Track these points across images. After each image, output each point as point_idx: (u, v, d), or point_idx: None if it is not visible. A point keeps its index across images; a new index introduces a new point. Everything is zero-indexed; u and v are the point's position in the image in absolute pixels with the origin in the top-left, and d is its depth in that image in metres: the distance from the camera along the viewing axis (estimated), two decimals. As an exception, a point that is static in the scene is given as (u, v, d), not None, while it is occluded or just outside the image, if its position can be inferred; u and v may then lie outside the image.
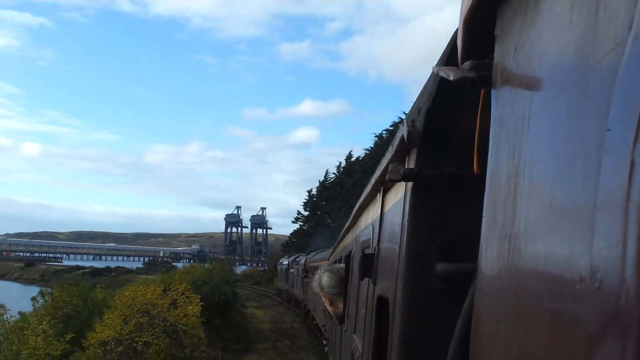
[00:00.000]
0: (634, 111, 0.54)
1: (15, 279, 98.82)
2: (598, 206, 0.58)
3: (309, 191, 62.92)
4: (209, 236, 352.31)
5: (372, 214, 3.43)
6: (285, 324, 28.40)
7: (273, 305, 42.17)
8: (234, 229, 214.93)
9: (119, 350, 12.92)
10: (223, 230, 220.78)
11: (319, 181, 62.36)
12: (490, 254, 0.94)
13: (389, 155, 2.29)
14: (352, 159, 56.60)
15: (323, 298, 4.47)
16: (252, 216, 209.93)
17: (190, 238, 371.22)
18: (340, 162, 59.51)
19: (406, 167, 2.00)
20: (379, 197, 2.91)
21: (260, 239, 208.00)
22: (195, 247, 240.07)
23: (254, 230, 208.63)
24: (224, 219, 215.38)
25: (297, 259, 32.57)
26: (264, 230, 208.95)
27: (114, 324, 13.48)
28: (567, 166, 0.68)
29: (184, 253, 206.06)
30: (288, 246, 64.60)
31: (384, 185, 2.68)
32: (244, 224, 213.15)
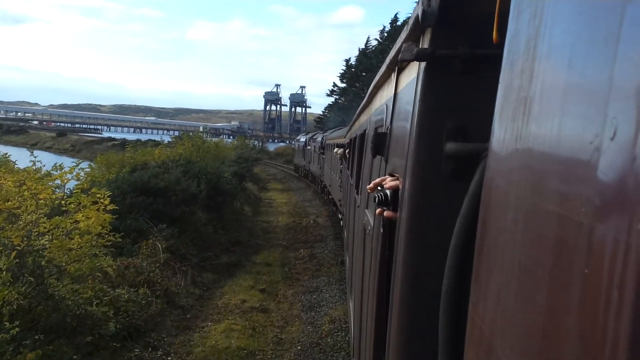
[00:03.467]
0: None
1: (47, 149, 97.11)
2: (618, 58, 0.58)
3: (347, 60, 53.48)
4: (249, 113, 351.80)
5: (386, 93, 3.47)
6: (308, 218, 21.70)
7: (300, 189, 35.62)
8: (273, 107, 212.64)
9: None
10: (262, 108, 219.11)
11: (359, 49, 52.78)
12: (505, 118, 0.94)
13: (404, 34, 2.28)
14: (398, 23, 46.60)
15: None
16: (291, 94, 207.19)
17: (230, 115, 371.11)
18: (384, 27, 49.58)
19: (420, 46, 1.98)
20: (394, 76, 2.92)
21: (299, 118, 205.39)
22: (234, 123, 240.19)
23: (293, 109, 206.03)
24: (263, 97, 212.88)
25: (314, 137, 32.82)
26: (303, 108, 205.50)
27: None
28: (590, 23, 0.67)
29: (223, 129, 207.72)
30: (321, 122, 56.87)
31: (399, 65, 2.66)
32: (283, 102, 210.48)
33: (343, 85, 53.39)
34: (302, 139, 40.96)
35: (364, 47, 51.71)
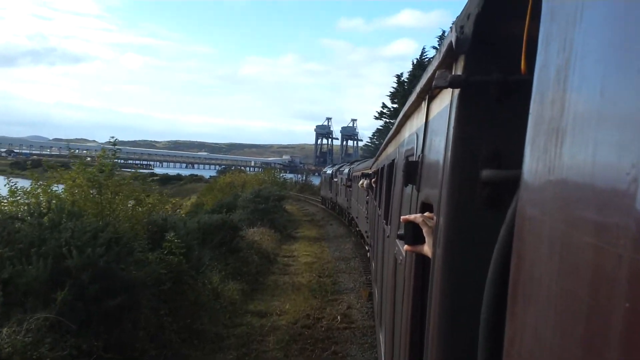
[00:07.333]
0: None
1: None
2: None
3: (398, 76, 44.66)
4: (301, 147, 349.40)
5: (416, 122, 3.46)
6: (337, 304, 12.80)
7: (338, 237, 26.69)
8: (325, 140, 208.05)
9: None
10: (314, 142, 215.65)
11: (413, 61, 44.01)
12: (537, 149, 0.94)
13: (435, 62, 2.28)
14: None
15: None
16: (342, 128, 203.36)
17: (282, 149, 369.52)
18: (444, 32, 40.70)
19: (454, 73, 1.99)
20: (424, 105, 2.94)
21: (351, 151, 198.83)
22: (286, 157, 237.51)
23: (344, 142, 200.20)
24: (315, 130, 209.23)
25: (341, 169, 33.47)
26: (355, 142, 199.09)
27: None
28: (622, 54, 0.68)
29: (274, 163, 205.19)
30: (368, 150, 47.92)
31: (430, 93, 2.70)
32: (334, 136, 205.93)
33: (394, 105, 44.46)
34: (329, 171, 40.34)
35: (418, 58, 42.89)
